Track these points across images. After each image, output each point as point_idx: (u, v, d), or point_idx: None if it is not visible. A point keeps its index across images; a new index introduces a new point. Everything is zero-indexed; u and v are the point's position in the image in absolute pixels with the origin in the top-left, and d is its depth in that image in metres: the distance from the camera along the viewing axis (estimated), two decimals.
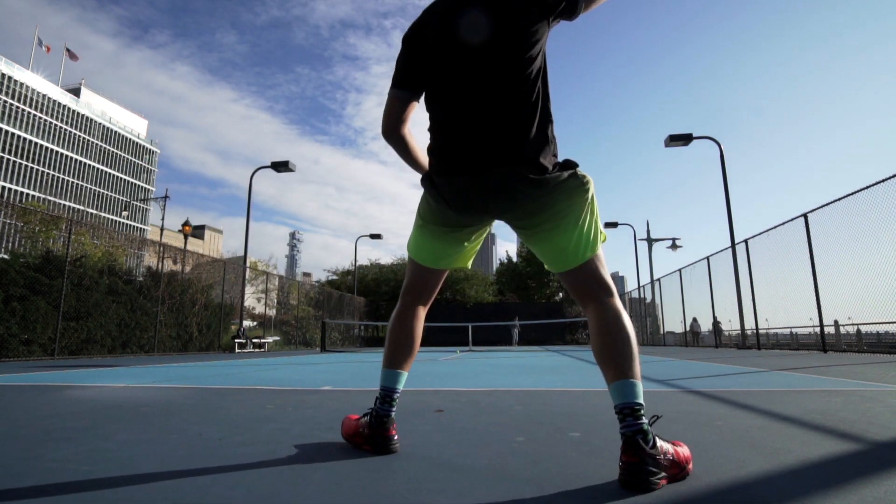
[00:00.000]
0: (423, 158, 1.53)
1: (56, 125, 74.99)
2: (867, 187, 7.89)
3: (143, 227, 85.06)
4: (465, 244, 1.54)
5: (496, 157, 1.31)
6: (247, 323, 16.36)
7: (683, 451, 1.22)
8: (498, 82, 1.32)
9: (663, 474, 1.12)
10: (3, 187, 65.54)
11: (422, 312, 1.65)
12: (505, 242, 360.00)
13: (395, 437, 1.50)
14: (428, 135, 1.46)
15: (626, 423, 1.17)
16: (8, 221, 12.93)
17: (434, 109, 1.42)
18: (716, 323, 15.16)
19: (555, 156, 1.38)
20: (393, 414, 1.51)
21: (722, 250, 13.79)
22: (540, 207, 1.34)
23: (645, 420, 1.17)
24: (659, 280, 20.72)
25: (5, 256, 9.65)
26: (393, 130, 1.48)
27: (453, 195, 1.37)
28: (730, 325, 14.28)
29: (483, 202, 1.35)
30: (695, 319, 18.23)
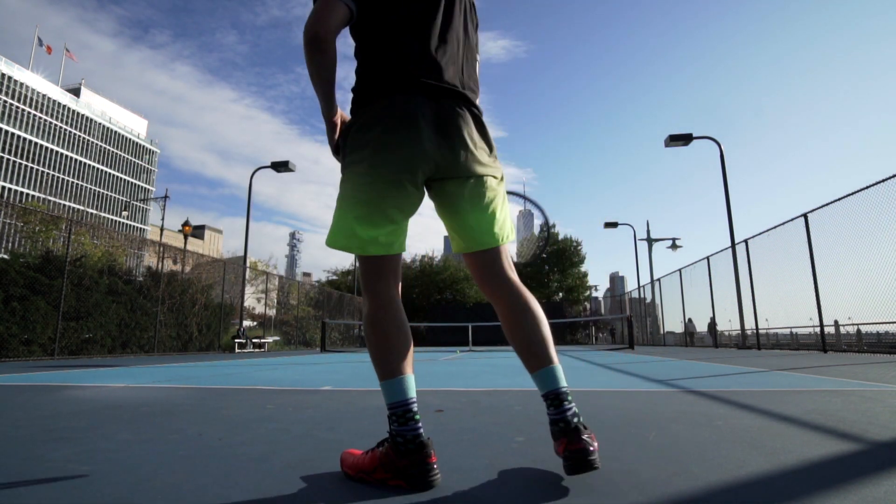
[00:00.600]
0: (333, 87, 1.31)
1: (56, 125, 75.00)
2: (867, 187, 7.89)
3: (143, 227, 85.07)
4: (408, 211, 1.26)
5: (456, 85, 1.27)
6: (246, 323, 16.36)
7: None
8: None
9: (593, 447, 1.13)
10: (3, 187, 65.53)
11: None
12: None
13: (436, 466, 1.13)
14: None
15: (562, 409, 1.17)
16: (8, 221, 12.93)
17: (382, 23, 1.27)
18: (712, 323, 15.15)
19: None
20: (424, 435, 1.15)
21: (722, 250, 13.79)
22: (480, 163, 1.26)
23: (571, 402, 1.19)
24: (659, 280, 20.72)
25: (5, 256, 9.65)
26: (331, 36, 1.22)
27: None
28: (729, 325, 14.27)
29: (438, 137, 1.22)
30: (690, 320, 18.22)
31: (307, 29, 1.21)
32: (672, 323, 20.56)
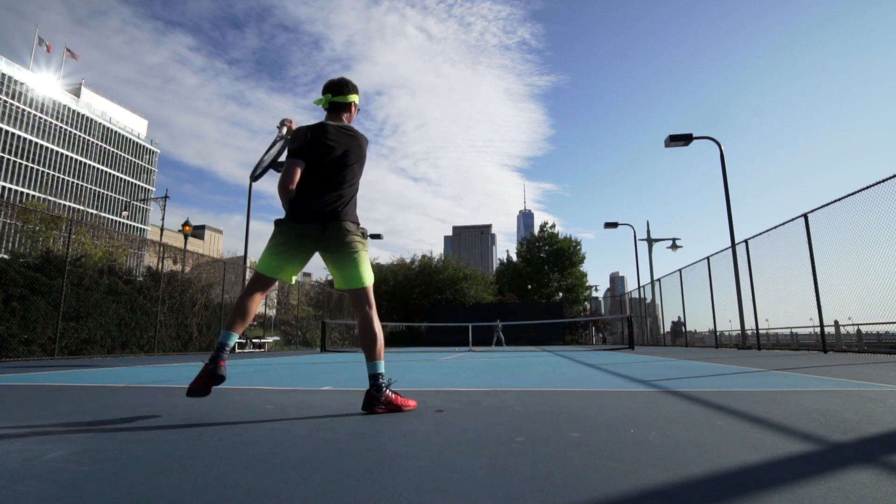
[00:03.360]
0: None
1: (56, 125, 74.98)
2: (867, 187, 7.88)
3: (143, 227, 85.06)
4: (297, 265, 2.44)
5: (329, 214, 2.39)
6: None
7: (402, 401, 2.31)
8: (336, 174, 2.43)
9: (383, 406, 2.26)
10: (3, 187, 65.53)
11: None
12: (505, 242, 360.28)
13: (224, 367, 2.22)
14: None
15: (371, 384, 2.29)
16: (8, 221, 12.94)
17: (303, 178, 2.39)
18: (680, 322, 15.21)
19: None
20: (225, 356, 2.23)
21: (722, 250, 13.77)
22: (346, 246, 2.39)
23: (381, 381, 2.29)
24: (659, 280, 20.71)
25: (5, 256, 9.65)
26: (294, 186, 2.36)
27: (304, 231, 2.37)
28: (730, 325, 14.25)
29: (314, 239, 2.39)
30: (678, 319, 18.19)
31: (281, 183, 2.35)
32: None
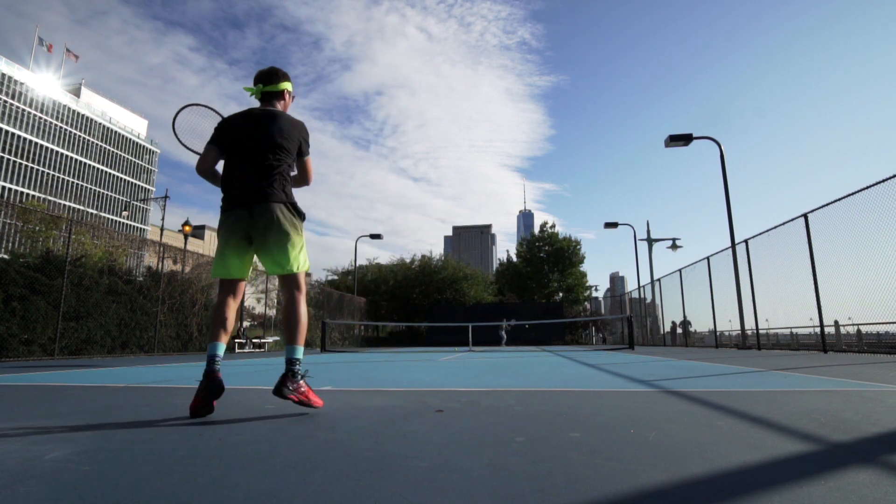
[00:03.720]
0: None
1: (56, 125, 74.96)
2: (867, 187, 7.88)
3: (143, 227, 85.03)
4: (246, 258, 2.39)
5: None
6: (245, 323, 16.34)
7: (313, 396, 2.26)
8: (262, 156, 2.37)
9: (294, 394, 2.18)
10: (3, 187, 65.51)
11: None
12: (505, 242, 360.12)
13: (220, 377, 2.17)
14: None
15: (288, 368, 2.21)
16: (8, 221, 12.92)
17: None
18: (684, 322, 15.18)
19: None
20: (218, 367, 2.18)
21: (722, 250, 13.77)
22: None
23: (297, 367, 2.22)
24: (659, 280, 20.71)
25: (5, 256, 9.65)
26: (208, 170, 2.47)
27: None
28: (730, 325, 14.25)
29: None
30: (683, 319, 18.18)
31: (197, 167, 2.46)
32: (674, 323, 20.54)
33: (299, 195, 2.51)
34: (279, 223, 2.28)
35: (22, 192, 67.63)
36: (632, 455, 1.42)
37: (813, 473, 1.22)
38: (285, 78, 2.59)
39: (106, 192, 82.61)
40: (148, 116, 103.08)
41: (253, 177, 2.30)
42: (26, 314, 8.69)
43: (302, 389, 2.22)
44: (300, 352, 2.26)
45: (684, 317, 17.92)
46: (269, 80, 2.54)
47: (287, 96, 2.61)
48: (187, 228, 20.02)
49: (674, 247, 22.20)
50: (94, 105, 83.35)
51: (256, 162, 2.32)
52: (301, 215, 2.39)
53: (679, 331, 18.67)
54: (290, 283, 2.34)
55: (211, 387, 2.13)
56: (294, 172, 2.50)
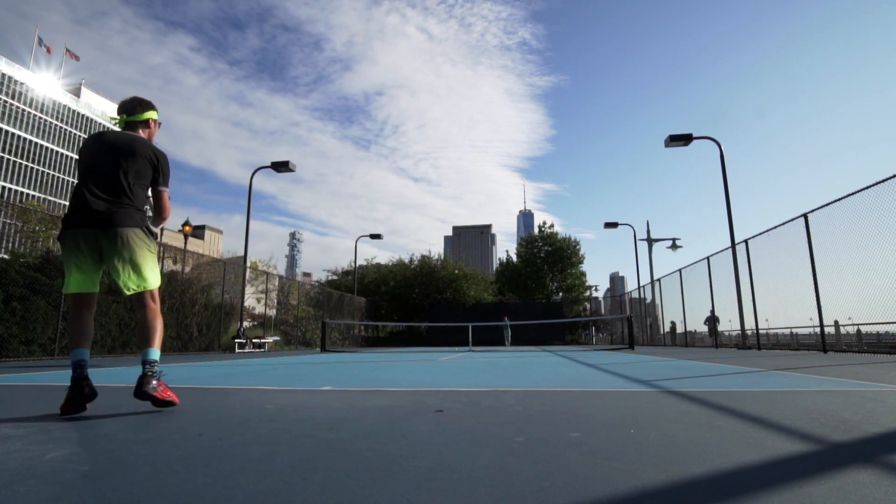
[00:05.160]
0: None
1: (56, 125, 74.97)
2: (867, 187, 7.88)
3: None
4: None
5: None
6: (245, 323, 16.35)
7: (168, 393, 2.34)
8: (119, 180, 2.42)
9: (153, 394, 2.25)
10: (3, 187, 65.52)
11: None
12: (505, 242, 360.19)
13: (87, 385, 2.24)
14: None
15: (146, 369, 2.28)
16: (8, 221, 12.92)
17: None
18: (712, 318, 14.94)
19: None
20: (87, 373, 2.27)
21: (722, 250, 13.77)
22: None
23: (152, 368, 2.29)
24: (659, 280, 20.71)
25: (5, 256, 9.65)
26: None
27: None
28: (730, 325, 14.24)
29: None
30: (711, 314, 17.90)
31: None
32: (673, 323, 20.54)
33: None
34: (129, 247, 2.33)
35: (22, 192, 67.64)
36: (632, 455, 1.42)
37: (813, 473, 1.22)
38: (150, 107, 2.66)
39: None
40: None
41: (103, 202, 2.33)
42: (26, 314, 8.69)
43: (160, 389, 2.31)
44: (157, 354, 2.35)
45: (713, 312, 17.03)
46: (131, 111, 2.60)
47: (153, 125, 2.67)
48: (187, 228, 20.00)
49: (674, 247, 22.21)
50: (95, 105, 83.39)
51: (107, 187, 2.36)
52: (153, 235, 2.49)
53: (705, 326, 18.02)
54: (145, 298, 2.41)
55: (81, 395, 2.21)
56: (150, 196, 2.55)
